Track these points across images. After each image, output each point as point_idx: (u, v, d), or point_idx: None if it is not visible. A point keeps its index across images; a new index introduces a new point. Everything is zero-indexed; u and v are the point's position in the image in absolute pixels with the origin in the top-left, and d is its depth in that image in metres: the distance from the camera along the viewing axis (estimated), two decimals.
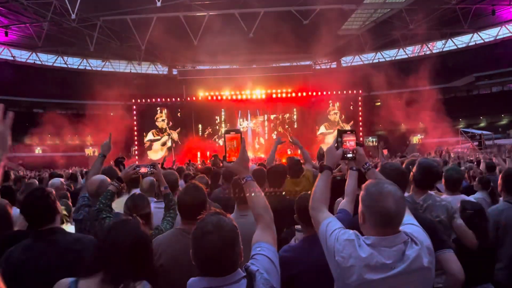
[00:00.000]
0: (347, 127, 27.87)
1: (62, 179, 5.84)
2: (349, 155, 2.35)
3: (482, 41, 34.69)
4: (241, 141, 2.15)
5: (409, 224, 2.03)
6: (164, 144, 28.03)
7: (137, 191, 4.07)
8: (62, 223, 3.83)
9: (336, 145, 2.34)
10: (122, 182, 3.34)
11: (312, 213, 2.16)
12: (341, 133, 2.35)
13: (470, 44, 35.29)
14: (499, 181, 3.71)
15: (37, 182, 6.45)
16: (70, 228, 3.64)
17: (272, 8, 23.24)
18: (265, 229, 2.00)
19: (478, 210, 3.23)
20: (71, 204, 4.20)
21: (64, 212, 3.91)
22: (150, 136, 27.87)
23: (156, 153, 27.36)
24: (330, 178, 2.27)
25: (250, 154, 26.38)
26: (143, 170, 3.47)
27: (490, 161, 6.67)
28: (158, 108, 27.99)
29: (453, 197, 3.60)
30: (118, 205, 3.41)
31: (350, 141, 2.35)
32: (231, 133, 2.20)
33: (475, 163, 8.83)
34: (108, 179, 3.49)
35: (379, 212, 1.85)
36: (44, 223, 2.45)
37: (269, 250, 1.89)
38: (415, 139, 29.50)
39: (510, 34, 32.94)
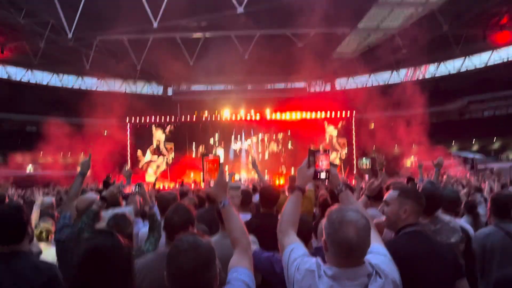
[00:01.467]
0: (338, 147, 27.97)
1: (53, 198, 5.78)
2: (322, 176, 2.23)
3: (473, 66, 35.26)
4: (219, 165, 2.14)
5: (377, 254, 1.92)
6: (158, 167, 27.92)
7: (120, 210, 4.01)
8: (46, 239, 3.76)
9: (308, 165, 2.22)
10: (106, 202, 3.27)
11: (279, 236, 2.08)
12: (313, 152, 2.24)
13: (462, 68, 35.85)
14: (488, 205, 3.69)
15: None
16: (51, 249, 3.54)
17: (268, 30, 23.55)
18: (242, 253, 1.94)
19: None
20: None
21: (48, 228, 3.84)
22: (148, 156, 27.72)
23: (151, 177, 27.25)
24: (300, 199, 2.18)
25: (244, 175, 26.30)
26: (127, 189, 3.42)
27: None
28: (154, 127, 27.94)
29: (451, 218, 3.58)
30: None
31: (323, 161, 2.23)
32: (209, 156, 2.21)
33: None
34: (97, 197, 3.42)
35: (339, 243, 1.73)
36: (9, 243, 2.33)
37: (246, 274, 1.83)
38: (409, 161, 29.57)
39: (501, 59, 33.52)
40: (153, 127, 28.00)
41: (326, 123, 28.32)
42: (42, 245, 3.65)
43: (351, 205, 2.12)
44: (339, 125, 28.09)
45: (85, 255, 1.71)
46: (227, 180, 2.11)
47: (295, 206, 2.15)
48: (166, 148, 28.04)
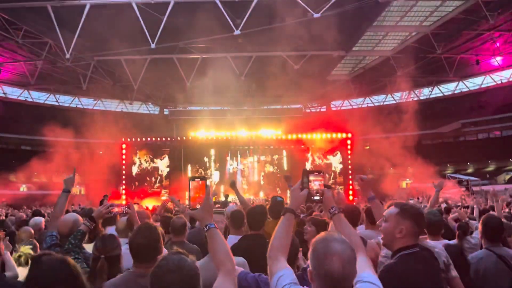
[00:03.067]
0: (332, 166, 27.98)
1: (43, 219, 5.72)
2: (316, 198, 2.18)
3: (467, 89, 35.67)
4: (206, 188, 2.12)
5: (367, 283, 1.86)
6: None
7: (112, 230, 3.96)
8: (26, 264, 3.58)
9: (301, 186, 2.16)
10: (94, 222, 3.19)
11: (268, 261, 2.03)
12: (307, 173, 2.18)
13: (456, 91, 36.25)
14: (479, 228, 3.68)
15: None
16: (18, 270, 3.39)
17: (264, 52, 23.82)
18: (226, 275, 1.91)
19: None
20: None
21: (27, 252, 3.72)
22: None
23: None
24: (292, 221, 2.13)
25: (233, 196, 26.13)
26: (117, 209, 3.38)
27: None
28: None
29: (435, 242, 3.58)
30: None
31: (317, 182, 2.18)
32: (196, 180, 2.17)
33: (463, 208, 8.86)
34: (81, 219, 3.34)
35: (323, 275, 1.68)
36: None
37: None
38: (404, 183, 29.59)
39: (494, 83, 33.97)
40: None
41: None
42: (20, 270, 3.43)
43: (343, 229, 2.09)
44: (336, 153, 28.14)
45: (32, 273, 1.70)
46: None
47: (286, 229, 2.09)
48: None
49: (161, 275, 1.61)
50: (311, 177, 2.19)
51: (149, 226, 2.61)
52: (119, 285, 2.45)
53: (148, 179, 27.73)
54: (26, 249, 3.77)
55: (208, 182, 2.19)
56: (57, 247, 3.18)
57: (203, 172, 28.23)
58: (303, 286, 1.87)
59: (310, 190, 2.17)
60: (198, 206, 2.10)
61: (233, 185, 6.15)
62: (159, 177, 28.07)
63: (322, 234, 1.84)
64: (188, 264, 1.66)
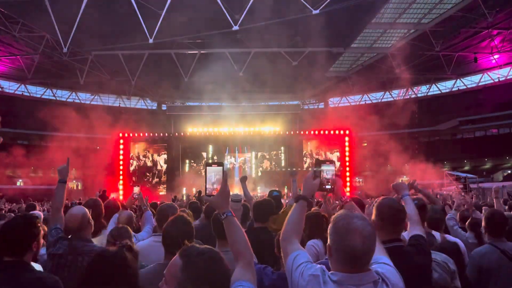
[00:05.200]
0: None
1: (41, 213, 5.69)
2: (327, 186, 2.24)
3: (465, 87, 35.75)
4: (223, 175, 2.05)
5: (383, 264, 1.91)
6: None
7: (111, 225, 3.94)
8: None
9: (314, 175, 2.21)
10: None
11: (282, 244, 2.06)
12: (320, 162, 2.23)
13: (454, 89, 36.33)
14: (483, 223, 3.68)
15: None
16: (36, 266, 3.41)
17: (262, 48, 23.76)
18: (246, 267, 1.87)
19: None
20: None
21: None
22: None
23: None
24: (305, 208, 2.16)
25: (237, 191, 26.16)
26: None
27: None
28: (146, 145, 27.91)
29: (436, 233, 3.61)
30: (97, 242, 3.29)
31: (329, 172, 2.23)
32: (212, 165, 2.10)
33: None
34: (88, 213, 3.23)
35: (344, 250, 1.74)
36: (13, 254, 2.30)
37: None
38: (401, 180, 29.66)
39: (492, 81, 34.05)
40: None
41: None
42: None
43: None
44: (332, 143, 28.18)
45: (92, 266, 1.75)
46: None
47: (300, 215, 2.12)
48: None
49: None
50: (323, 167, 2.22)
51: (184, 219, 2.60)
52: (151, 275, 2.44)
53: (148, 174, 27.75)
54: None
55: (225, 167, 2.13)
56: (64, 240, 3.11)
57: (201, 169, 28.25)
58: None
59: (321, 179, 2.21)
60: (214, 193, 2.04)
61: (243, 179, 6.22)
62: (157, 173, 28.06)
63: (342, 211, 1.89)
64: (216, 253, 1.68)
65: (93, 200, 3.94)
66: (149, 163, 27.98)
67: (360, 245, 1.71)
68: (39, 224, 2.50)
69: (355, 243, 1.72)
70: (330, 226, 1.84)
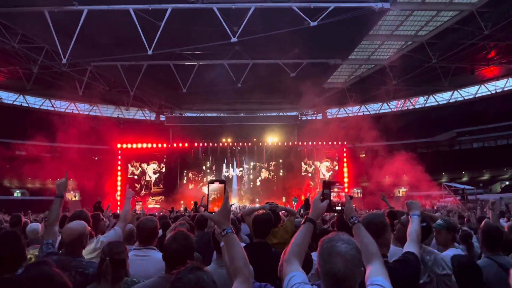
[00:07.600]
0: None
1: (40, 225, 5.65)
2: (338, 208, 2.27)
3: (462, 98, 35.91)
4: (225, 192, 2.08)
5: (376, 285, 1.90)
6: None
7: (103, 238, 3.90)
8: None
9: (322, 197, 2.25)
10: None
11: (284, 265, 2.09)
12: (328, 184, 2.27)
13: (451, 101, 36.47)
14: (480, 236, 3.67)
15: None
16: None
17: (261, 60, 23.88)
18: (244, 284, 1.89)
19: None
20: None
21: (37, 255, 3.70)
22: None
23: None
24: (311, 231, 2.20)
25: (236, 202, 26.13)
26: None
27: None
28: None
29: (446, 252, 3.62)
30: (86, 253, 3.27)
31: (338, 193, 2.27)
32: (215, 183, 2.13)
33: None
34: (88, 229, 3.20)
35: (327, 274, 1.74)
36: (5, 272, 2.28)
37: None
38: (399, 191, 29.65)
39: (489, 92, 34.22)
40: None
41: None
42: None
43: (362, 238, 2.17)
44: (330, 154, 28.25)
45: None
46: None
47: (304, 237, 2.16)
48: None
49: None
50: (332, 189, 2.28)
51: (184, 234, 2.62)
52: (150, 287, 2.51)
53: (136, 185, 27.61)
54: (36, 252, 3.76)
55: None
56: (54, 255, 3.07)
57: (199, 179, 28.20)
58: None
59: (331, 201, 2.26)
60: (216, 210, 2.07)
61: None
62: (146, 183, 27.94)
63: (330, 234, 1.89)
64: (207, 283, 1.64)
65: (79, 211, 3.87)
66: (136, 172, 27.81)
67: (342, 269, 1.70)
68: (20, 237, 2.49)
69: (336, 266, 1.71)
70: (318, 248, 1.84)
